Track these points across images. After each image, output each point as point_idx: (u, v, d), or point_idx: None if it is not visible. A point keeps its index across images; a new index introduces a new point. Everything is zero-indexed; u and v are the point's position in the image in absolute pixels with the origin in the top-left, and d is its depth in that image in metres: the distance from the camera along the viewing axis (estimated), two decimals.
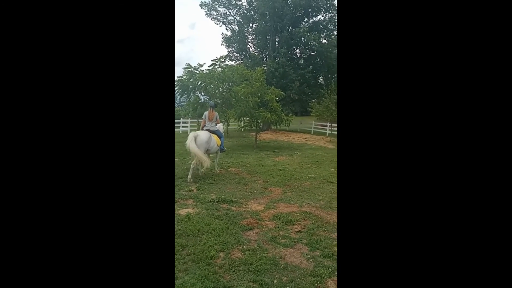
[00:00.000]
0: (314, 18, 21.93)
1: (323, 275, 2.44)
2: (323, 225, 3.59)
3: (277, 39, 21.10)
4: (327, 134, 17.20)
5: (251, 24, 22.39)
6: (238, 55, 23.11)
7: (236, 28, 22.68)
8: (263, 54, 21.96)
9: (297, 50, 22.07)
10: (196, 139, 5.28)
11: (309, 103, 21.07)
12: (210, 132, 5.72)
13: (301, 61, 21.69)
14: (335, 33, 22.39)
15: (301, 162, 8.13)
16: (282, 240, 3.11)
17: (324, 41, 21.62)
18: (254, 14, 21.58)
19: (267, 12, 19.96)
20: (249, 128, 12.39)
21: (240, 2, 22.03)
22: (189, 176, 5.36)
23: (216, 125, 6.05)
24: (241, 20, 22.23)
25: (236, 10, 22.27)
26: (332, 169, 7.30)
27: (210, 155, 6.01)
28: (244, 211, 4.00)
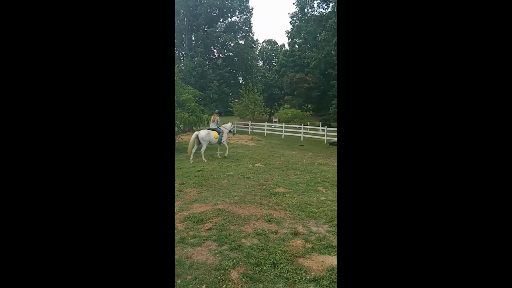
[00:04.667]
0: (229, 19, 22.35)
1: (227, 267, 2.52)
2: (234, 219, 3.70)
3: (193, 38, 20.75)
4: (249, 133, 17.76)
5: None
6: None
7: None
8: (180, 53, 21.32)
9: (215, 50, 22.15)
10: (198, 135, 8.26)
11: (230, 103, 21.41)
12: (210, 130, 8.57)
13: (220, 61, 21.86)
14: (251, 34, 23.26)
15: (220, 161, 8.20)
16: (191, 240, 3.08)
17: (241, 42, 22.22)
18: None
19: (181, 10, 19.43)
20: None
21: None
22: (191, 159, 8.23)
23: (216, 125, 8.84)
24: None
25: None
26: (250, 165, 7.59)
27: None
28: None
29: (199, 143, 8.32)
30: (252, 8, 22.49)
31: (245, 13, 22.43)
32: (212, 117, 9.06)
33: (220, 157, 8.89)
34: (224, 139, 8.95)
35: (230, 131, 9.36)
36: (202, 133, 8.34)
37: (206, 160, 8.20)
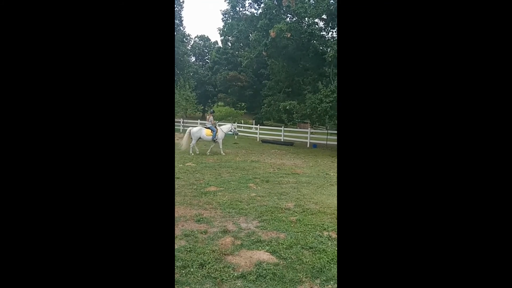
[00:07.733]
0: None
1: None
2: None
3: None
4: (180, 131, 17.14)
5: None
6: None
7: None
8: None
9: None
10: (190, 131, 9.22)
11: None
12: (205, 128, 9.48)
13: None
14: (182, 28, 22.42)
15: None
16: None
17: None
18: None
19: None
20: None
21: None
22: (191, 151, 9.17)
23: (211, 123, 9.68)
24: None
25: None
26: (181, 165, 7.32)
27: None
28: None
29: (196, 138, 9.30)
30: (183, 1, 21.69)
31: (176, 6, 21.47)
32: (207, 116, 10.34)
33: (208, 154, 9.37)
34: (219, 137, 9.57)
35: (231, 132, 10.12)
36: (194, 129, 9.35)
37: (193, 154, 9.06)
